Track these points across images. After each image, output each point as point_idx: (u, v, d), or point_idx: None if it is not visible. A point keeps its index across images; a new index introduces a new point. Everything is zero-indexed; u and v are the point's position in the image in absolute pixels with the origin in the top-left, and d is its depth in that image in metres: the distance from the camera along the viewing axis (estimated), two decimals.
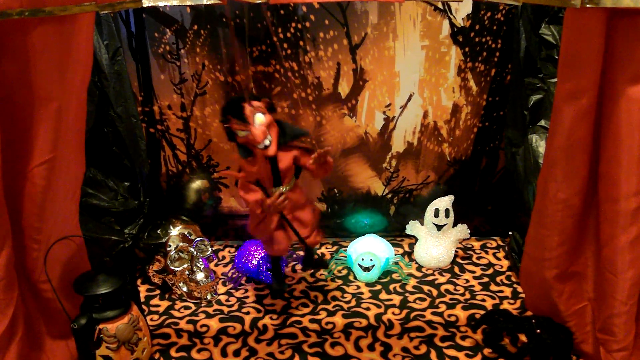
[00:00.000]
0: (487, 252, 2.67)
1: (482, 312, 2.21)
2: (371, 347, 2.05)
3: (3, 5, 1.42)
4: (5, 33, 1.50)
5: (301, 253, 2.62)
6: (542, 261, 2.01)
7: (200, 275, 2.33)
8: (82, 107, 1.81)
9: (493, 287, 2.41)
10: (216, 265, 2.59)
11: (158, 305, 2.32)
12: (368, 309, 2.27)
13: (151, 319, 2.22)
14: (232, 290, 2.40)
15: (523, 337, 2.00)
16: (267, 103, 1.90)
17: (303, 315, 2.22)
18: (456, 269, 2.54)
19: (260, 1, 1.60)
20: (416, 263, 2.59)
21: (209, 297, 2.34)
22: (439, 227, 2.54)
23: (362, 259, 2.43)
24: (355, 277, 2.48)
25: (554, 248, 1.95)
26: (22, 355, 1.75)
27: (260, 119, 1.85)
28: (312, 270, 2.47)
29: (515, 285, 2.41)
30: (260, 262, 2.41)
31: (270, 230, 2.04)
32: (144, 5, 1.67)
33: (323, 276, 2.49)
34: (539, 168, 2.13)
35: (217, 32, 2.33)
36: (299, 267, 2.55)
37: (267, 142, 1.86)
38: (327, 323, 2.18)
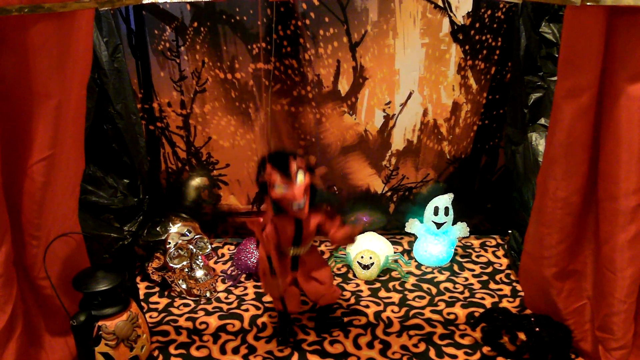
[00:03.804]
0: (486, 251, 2.67)
1: (481, 310, 2.21)
2: (370, 345, 2.05)
3: (2, 2, 1.42)
4: (5, 30, 1.50)
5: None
6: (541, 259, 2.01)
7: (199, 273, 2.33)
8: (82, 104, 1.81)
9: (492, 285, 2.41)
10: (215, 262, 2.59)
11: (157, 303, 2.32)
12: (367, 306, 2.27)
13: (150, 316, 2.22)
14: (232, 288, 2.40)
15: (522, 336, 2.00)
16: (307, 163, 1.85)
17: (302, 313, 2.22)
18: (455, 267, 2.54)
19: None
20: (415, 261, 2.59)
21: (208, 294, 2.34)
22: (439, 225, 2.54)
23: (362, 257, 2.44)
24: (354, 275, 2.48)
25: (553, 246, 1.95)
26: (21, 352, 1.75)
27: (301, 179, 1.80)
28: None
29: (514, 284, 2.41)
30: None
31: (283, 288, 1.99)
32: (144, 2, 1.67)
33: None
34: (539, 166, 2.13)
35: (217, 29, 2.33)
36: None
37: (302, 204, 1.81)
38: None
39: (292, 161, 1.80)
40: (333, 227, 1.94)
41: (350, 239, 1.99)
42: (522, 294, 2.32)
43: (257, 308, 2.26)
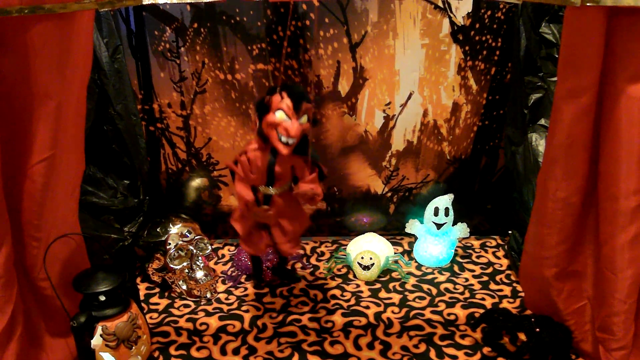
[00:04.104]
0: (486, 251, 2.67)
1: (482, 310, 2.21)
2: (370, 346, 2.05)
3: (2, 3, 1.42)
4: (5, 30, 1.50)
5: (301, 252, 2.63)
6: (541, 260, 2.01)
7: (199, 274, 2.33)
8: (82, 105, 1.81)
9: (492, 286, 2.41)
10: (216, 263, 2.59)
11: (157, 304, 2.32)
12: (367, 307, 2.27)
13: (150, 317, 2.22)
14: (232, 289, 2.40)
15: (522, 336, 2.00)
16: (314, 113, 1.85)
17: (302, 314, 2.22)
18: (456, 268, 2.54)
19: None
20: (416, 261, 2.59)
21: (208, 295, 2.34)
22: (439, 226, 2.53)
23: (362, 258, 2.43)
24: (354, 276, 2.48)
25: (554, 247, 1.95)
26: (22, 353, 1.75)
27: (303, 120, 1.81)
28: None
29: (514, 284, 2.41)
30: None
31: (249, 228, 1.99)
32: (144, 3, 1.67)
33: (323, 275, 2.49)
34: (539, 167, 2.13)
35: (217, 30, 2.33)
36: (298, 265, 2.55)
37: (290, 141, 1.80)
38: (326, 321, 2.19)
39: (304, 101, 1.79)
40: (305, 176, 1.92)
41: (312, 196, 1.92)
42: (522, 294, 2.32)
43: (258, 309, 2.26)
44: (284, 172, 1.89)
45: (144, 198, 2.51)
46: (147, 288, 2.42)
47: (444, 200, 2.54)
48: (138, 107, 2.45)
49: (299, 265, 2.55)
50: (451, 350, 2.02)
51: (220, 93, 2.45)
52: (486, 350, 2.01)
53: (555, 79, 1.95)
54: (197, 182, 2.67)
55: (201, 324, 2.18)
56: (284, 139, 1.79)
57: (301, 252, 2.63)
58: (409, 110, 2.50)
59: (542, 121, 2.30)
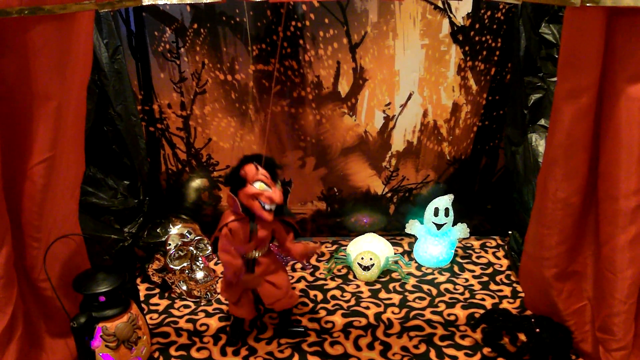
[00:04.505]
0: (486, 251, 2.67)
1: (482, 311, 2.21)
2: (370, 346, 2.05)
3: (3, 4, 1.42)
4: (5, 31, 1.51)
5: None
6: (541, 260, 2.01)
7: (199, 274, 2.33)
8: (82, 106, 1.81)
9: (492, 286, 2.41)
10: (216, 264, 2.59)
11: (157, 304, 2.32)
12: (367, 308, 2.27)
13: (151, 318, 2.22)
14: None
15: (522, 336, 2.00)
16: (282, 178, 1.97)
17: (302, 314, 2.22)
18: (456, 268, 2.54)
19: None
20: (416, 262, 2.59)
21: (208, 295, 2.34)
22: (439, 226, 2.53)
23: (362, 258, 2.43)
24: (354, 276, 2.48)
25: (554, 247, 1.95)
26: (22, 353, 1.75)
27: (279, 185, 1.92)
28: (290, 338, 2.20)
29: (514, 285, 2.41)
30: None
31: (239, 294, 2.05)
32: (144, 4, 1.67)
33: (323, 275, 2.49)
34: (539, 167, 2.13)
35: (217, 31, 2.33)
36: (298, 266, 2.55)
37: (273, 207, 1.89)
38: (326, 322, 2.19)
39: (277, 168, 1.93)
40: (287, 239, 2.03)
41: (306, 255, 2.07)
42: (522, 295, 2.32)
43: (258, 310, 2.26)
44: (266, 235, 1.97)
45: (144, 199, 2.51)
46: (147, 289, 2.41)
47: (444, 201, 2.54)
48: (138, 107, 2.45)
49: (298, 265, 2.55)
50: (451, 351, 2.02)
51: (220, 93, 2.45)
52: (486, 350, 2.01)
53: (555, 79, 1.96)
54: (197, 182, 2.67)
55: (201, 325, 2.18)
56: (267, 206, 1.88)
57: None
58: (409, 110, 2.50)
59: (542, 121, 2.30)
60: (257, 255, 1.99)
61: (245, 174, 1.88)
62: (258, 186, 1.86)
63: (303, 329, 2.14)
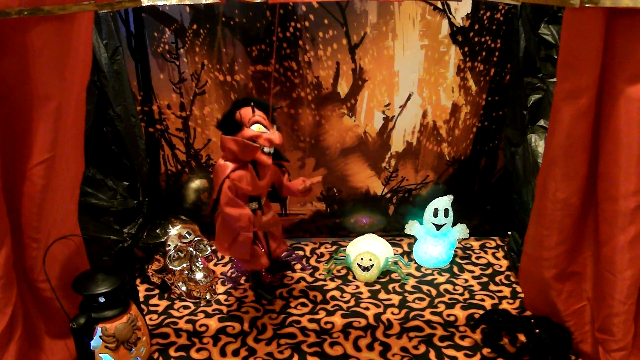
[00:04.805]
0: (486, 252, 2.67)
1: (481, 311, 2.21)
2: (370, 347, 2.05)
3: (2, 4, 1.42)
4: (5, 32, 1.51)
5: (300, 253, 2.63)
6: (541, 261, 2.01)
7: (199, 275, 2.33)
8: (81, 106, 1.81)
9: (492, 287, 2.41)
10: (215, 264, 2.59)
11: (157, 305, 2.31)
12: (367, 308, 2.27)
13: (150, 319, 2.22)
14: (231, 290, 2.40)
15: (522, 337, 2.00)
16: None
17: (302, 315, 2.22)
18: (455, 269, 2.54)
19: (259, 0, 1.60)
20: (415, 263, 2.59)
21: (208, 296, 2.34)
22: (438, 227, 2.53)
23: (362, 259, 2.43)
24: (354, 277, 2.48)
25: (553, 247, 1.95)
26: (21, 354, 1.75)
27: (275, 128, 1.89)
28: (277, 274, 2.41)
29: (514, 285, 2.41)
30: None
31: (250, 247, 2.02)
32: (143, 5, 1.67)
33: (322, 276, 2.49)
34: (538, 168, 2.13)
35: (216, 32, 2.33)
36: (298, 266, 2.55)
37: (272, 151, 1.84)
38: (326, 323, 2.18)
39: (274, 109, 1.89)
40: (284, 178, 2.06)
41: (305, 188, 2.05)
42: (522, 295, 2.32)
43: (257, 310, 2.26)
44: (267, 181, 1.93)
45: (144, 199, 2.51)
46: (147, 289, 2.41)
47: (444, 201, 2.54)
48: (137, 108, 2.45)
49: (298, 266, 2.55)
50: (451, 352, 2.02)
51: (219, 94, 2.45)
52: (486, 351, 2.01)
53: (554, 79, 1.96)
54: (196, 183, 2.67)
55: (201, 326, 2.18)
56: (266, 149, 1.83)
57: (300, 253, 2.63)
58: (409, 111, 2.50)
59: (542, 122, 2.30)
60: (262, 203, 1.98)
61: (241, 117, 1.81)
62: (256, 128, 1.80)
63: (289, 265, 2.19)
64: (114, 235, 2.35)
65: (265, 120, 1.81)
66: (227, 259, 2.64)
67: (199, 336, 2.12)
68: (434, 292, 2.38)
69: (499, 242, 2.76)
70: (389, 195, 2.71)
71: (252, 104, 1.83)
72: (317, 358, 2.00)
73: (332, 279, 2.47)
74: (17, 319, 1.74)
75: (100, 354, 1.79)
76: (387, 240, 2.59)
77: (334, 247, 2.70)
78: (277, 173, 2.00)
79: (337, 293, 2.37)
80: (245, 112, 1.81)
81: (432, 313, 2.24)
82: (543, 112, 2.29)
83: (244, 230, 1.92)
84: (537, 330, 1.92)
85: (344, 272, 2.52)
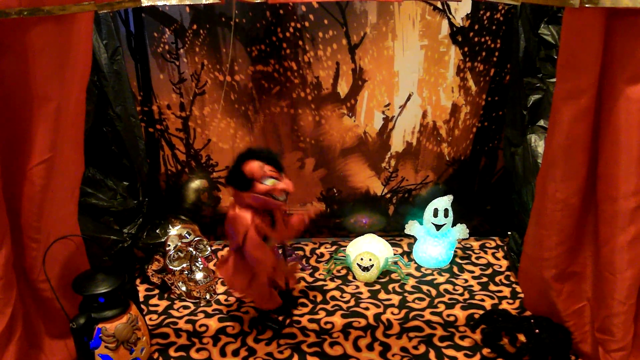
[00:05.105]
0: (486, 252, 2.67)
1: (481, 312, 2.21)
2: (370, 347, 2.05)
3: (2, 5, 1.42)
4: (4, 32, 1.51)
5: (300, 253, 2.63)
6: (540, 261, 2.01)
7: (199, 275, 2.33)
8: (81, 107, 1.81)
9: (492, 287, 2.41)
10: (215, 264, 2.58)
11: (157, 305, 2.31)
12: (367, 308, 2.27)
13: (150, 319, 2.22)
14: (231, 290, 2.40)
15: (522, 337, 2.00)
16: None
17: (302, 315, 2.22)
18: (455, 269, 2.54)
19: (259, 0, 1.60)
20: (415, 263, 2.59)
21: (207, 296, 2.34)
22: (438, 227, 2.53)
23: (361, 259, 2.43)
24: (354, 277, 2.48)
25: (553, 248, 1.95)
26: (21, 354, 1.75)
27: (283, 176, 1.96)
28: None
29: (514, 285, 2.41)
30: None
31: (266, 288, 2.11)
32: (143, 5, 1.67)
33: (322, 276, 2.49)
34: (538, 168, 2.13)
35: (216, 32, 2.33)
36: (298, 266, 2.54)
37: (285, 197, 1.92)
38: (326, 323, 2.18)
39: (278, 159, 1.94)
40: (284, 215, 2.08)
41: (303, 222, 2.10)
42: (521, 295, 2.32)
43: (257, 310, 2.26)
44: (282, 222, 2.03)
45: (144, 199, 2.51)
46: (147, 289, 2.41)
47: (444, 202, 2.54)
48: (137, 108, 2.45)
49: (298, 266, 2.55)
50: (451, 352, 2.02)
51: (219, 94, 2.45)
52: (486, 351, 2.01)
53: (554, 80, 1.96)
54: (196, 183, 2.67)
55: (201, 326, 2.18)
56: (281, 198, 1.92)
57: (300, 253, 2.64)
58: (408, 111, 2.50)
59: (541, 122, 2.30)
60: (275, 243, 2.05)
61: (252, 173, 1.87)
62: (270, 183, 1.88)
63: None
64: (114, 236, 2.35)
65: (275, 172, 1.90)
66: None
67: (199, 336, 2.12)
68: (433, 292, 2.38)
69: (499, 242, 2.75)
70: (388, 195, 2.71)
71: (259, 158, 1.91)
72: (317, 358, 2.00)
73: (332, 279, 2.47)
74: (17, 319, 1.74)
75: (100, 354, 1.79)
76: (387, 241, 2.59)
77: (334, 247, 2.70)
78: (282, 211, 2.07)
79: (337, 293, 2.37)
80: (255, 168, 1.88)
81: (432, 313, 2.24)
82: (543, 112, 2.29)
83: (267, 274, 2.04)
84: (537, 331, 1.92)
85: (344, 272, 2.52)
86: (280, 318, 2.18)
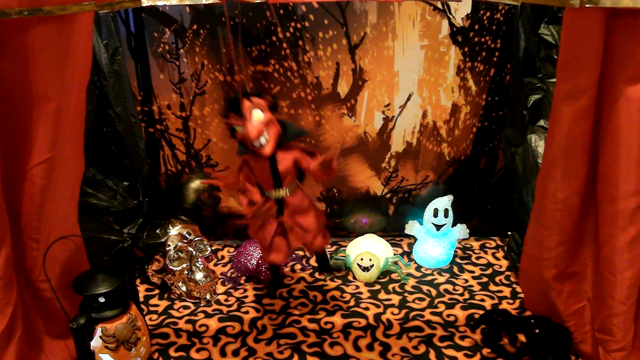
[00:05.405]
0: (486, 252, 2.67)
1: (481, 312, 2.21)
2: (370, 347, 2.05)
3: (2, 5, 1.42)
4: (4, 32, 1.51)
5: (300, 253, 2.63)
6: (541, 261, 2.01)
7: (199, 275, 2.33)
8: (81, 107, 1.81)
9: (492, 287, 2.41)
10: (215, 265, 2.59)
11: (157, 305, 2.32)
12: (367, 308, 2.27)
13: (150, 319, 2.22)
14: (231, 290, 2.40)
15: (522, 337, 2.00)
16: (269, 101, 1.83)
17: (302, 315, 2.22)
18: (455, 269, 2.54)
19: (259, 1, 1.60)
20: (415, 263, 2.59)
21: (208, 296, 2.34)
22: (438, 227, 2.53)
23: (362, 259, 2.43)
24: (354, 277, 2.48)
25: (553, 248, 1.95)
26: (21, 355, 1.76)
27: (258, 116, 1.78)
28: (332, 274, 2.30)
29: (514, 285, 2.41)
30: (259, 261, 2.41)
31: (269, 237, 1.98)
32: (143, 5, 1.67)
33: (322, 276, 2.49)
34: (538, 168, 2.13)
35: (216, 32, 2.33)
36: (298, 267, 2.55)
37: (262, 141, 1.79)
38: (326, 323, 2.19)
39: (245, 101, 1.78)
40: (311, 162, 1.88)
41: (332, 170, 1.87)
42: (522, 295, 2.32)
43: (257, 310, 2.26)
44: (286, 168, 1.88)
45: (144, 200, 2.51)
46: (147, 289, 2.41)
47: (444, 202, 2.54)
48: (137, 108, 2.45)
49: (298, 266, 2.55)
50: (451, 352, 2.02)
51: (219, 94, 2.45)
52: (486, 351, 2.01)
53: (554, 80, 1.96)
54: (196, 183, 2.67)
55: (201, 326, 2.18)
56: (255, 143, 1.80)
57: (300, 253, 2.63)
58: (408, 111, 2.50)
59: (542, 122, 2.30)
60: (284, 193, 1.91)
61: (229, 125, 1.83)
62: (240, 130, 1.80)
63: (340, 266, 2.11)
64: (114, 236, 2.35)
65: (237, 118, 1.79)
66: (227, 259, 2.64)
67: (199, 336, 2.12)
68: (433, 292, 2.38)
69: (499, 242, 2.76)
70: (389, 195, 2.71)
71: (227, 110, 1.84)
72: (317, 358, 2.00)
73: (332, 279, 2.47)
74: (17, 320, 1.74)
75: (100, 354, 1.79)
76: (387, 241, 2.59)
77: (334, 247, 2.70)
78: (301, 156, 1.88)
79: (337, 293, 2.37)
80: (231, 117, 1.83)
81: (432, 313, 2.24)
82: (543, 112, 2.29)
83: (247, 215, 1.90)
84: (537, 331, 1.92)
85: (343, 272, 2.52)
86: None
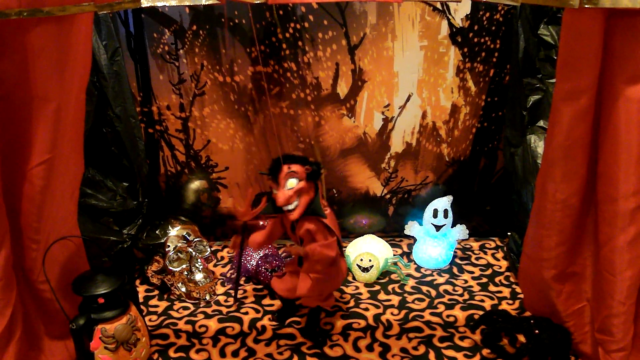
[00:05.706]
0: (485, 253, 2.67)
1: (481, 312, 2.21)
2: (370, 348, 2.05)
3: (2, 6, 1.42)
4: (4, 33, 1.50)
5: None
6: (540, 261, 2.01)
7: (198, 276, 2.33)
8: (81, 107, 1.81)
9: (492, 288, 2.41)
10: (215, 265, 2.59)
11: (157, 306, 2.31)
12: (367, 309, 2.27)
13: (150, 320, 2.22)
14: (231, 291, 2.40)
15: (522, 338, 2.00)
16: (308, 170, 1.89)
17: (302, 316, 2.22)
18: (455, 270, 2.54)
19: (259, 1, 1.60)
20: (415, 263, 2.59)
21: (207, 297, 2.34)
22: (438, 228, 2.53)
23: (361, 260, 2.43)
24: (353, 278, 2.48)
25: (553, 248, 1.95)
26: (21, 355, 1.75)
27: (291, 184, 1.86)
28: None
29: (513, 286, 2.41)
30: (259, 262, 2.41)
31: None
32: (143, 6, 1.67)
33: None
34: (538, 168, 2.13)
35: (216, 32, 2.33)
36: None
37: (290, 207, 1.87)
38: (325, 324, 2.18)
39: (284, 167, 1.86)
40: (320, 240, 1.93)
41: (305, 257, 1.97)
42: (521, 296, 2.32)
43: (257, 311, 2.26)
44: (299, 233, 1.96)
45: (143, 200, 2.51)
46: (146, 290, 2.41)
47: (443, 202, 2.54)
48: (137, 109, 2.45)
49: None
50: (450, 352, 2.02)
51: (219, 95, 2.45)
52: (485, 352, 2.01)
53: (554, 80, 1.96)
54: (196, 184, 2.67)
55: (200, 326, 2.18)
56: (284, 208, 1.88)
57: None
58: (408, 112, 2.50)
59: (541, 123, 2.30)
60: (302, 252, 1.95)
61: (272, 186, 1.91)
62: (274, 193, 1.88)
63: (322, 338, 2.10)
64: (114, 236, 2.35)
65: (273, 183, 1.88)
66: (226, 259, 2.64)
67: (199, 337, 2.12)
68: (433, 292, 2.38)
69: (499, 243, 2.76)
70: (388, 196, 2.71)
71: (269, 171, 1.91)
72: (317, 359, 2.00)
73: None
74: (17, 320, 1.74)
75: (99, 355, 1.79)
76: (387, 241, 2.59)
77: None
78: (315, 230, 1.93)
79: (336, 294, 2.37)
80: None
81: (432, 314, 2.24)
82: (542, 112, 2.29)
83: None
84: (537, 331, 1.92)
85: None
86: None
